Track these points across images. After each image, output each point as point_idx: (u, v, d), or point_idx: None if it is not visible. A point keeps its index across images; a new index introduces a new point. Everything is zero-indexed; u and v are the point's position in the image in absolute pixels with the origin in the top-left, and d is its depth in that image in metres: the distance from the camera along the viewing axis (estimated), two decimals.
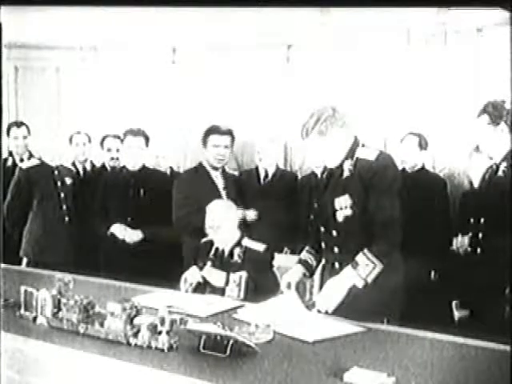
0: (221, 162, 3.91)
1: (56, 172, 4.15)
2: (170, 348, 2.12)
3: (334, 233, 2.64)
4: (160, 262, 3.74)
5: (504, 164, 3.24)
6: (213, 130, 3.88)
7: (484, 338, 2.23)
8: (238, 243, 3.21)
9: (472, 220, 3.25)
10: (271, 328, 2.25)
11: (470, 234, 3.25)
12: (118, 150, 4.46)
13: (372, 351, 2.14)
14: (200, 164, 3.99)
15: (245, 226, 3.71)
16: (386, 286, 2.53)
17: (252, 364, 2.00)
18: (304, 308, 2.58)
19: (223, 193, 3.89)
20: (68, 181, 4.18)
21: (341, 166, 2.62)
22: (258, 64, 5.28)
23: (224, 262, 3.19)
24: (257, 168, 4.41)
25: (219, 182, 3.93)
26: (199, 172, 3.96)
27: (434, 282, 3.83)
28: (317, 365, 2.00)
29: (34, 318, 2.42)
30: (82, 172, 4.47)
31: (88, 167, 4.58)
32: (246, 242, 3.22)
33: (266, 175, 4.36)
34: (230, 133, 3.91)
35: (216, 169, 3.93)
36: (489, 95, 3.47)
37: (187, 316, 2.33)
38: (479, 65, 4.54)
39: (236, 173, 4.57)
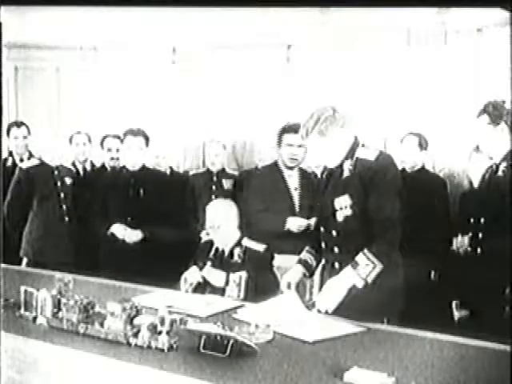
0: (294, 162, 3.71)
1: (56, 172, 4.15)
2: (170, 348, 2.12)
3: (334, 233, 2.64)
4: (160, 262, 3.74)
5: (504, 164, 3.24)
6: (287, 129, 3.67)
7: (484, 338, 2.23)
8: (238, 243, 3.21)
9: (472, 220, 3.25)
10: (271, 328, 2.25)
11: (470, 234, 3.25)
12: (117, 150, 4.46)
13: (372, 351, 2.14)
14: (275, 162, 3.81)
15: (307, 235, 3.55)
16: (386, 286, 2.53)
17: (252, 364, 2.00)
18: (304, 308, 2.58)
19: (294, 194, 3.73)
20: (68, 181, 4.18)
21: (341, 166, 2.62)
22: (258, 64, 5.28)
23: (224, 262, 3.19)
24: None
25: (292, 182, 3.75)
26: (272, 171, 3.78)
27: (433, 282, 3.83)
28: (317, 365, 2.00)
29: (34, 318, 2.42)
30: (82, 172, 4.47)
31: (88, 167, 4.58)
32: (246, 241, 3.22)
33: None
34: None
35: (290, 168, 3.74)
36: (489, 95, 3.47)
37: (187, 316, 2.33)
38: (479, 65, 4.55)
39: (236, 173, 4.58)
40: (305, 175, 3.82)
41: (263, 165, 4.09)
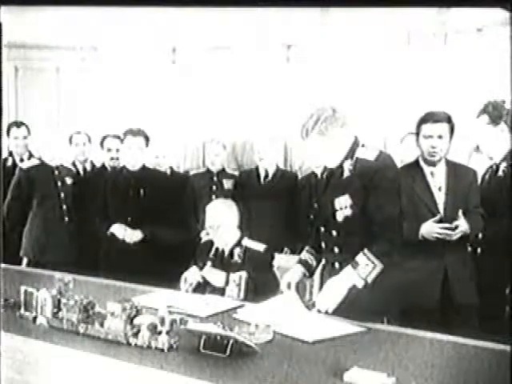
0: (434, 155, 3.19)
1: (56, 172, 4.15)
2: (170, 348, 2.12)
3: (334, 233, 2.64)
4: (160, 262, 3.74)
5: (504, 164, 3.25)
6: (425, 119, 3.24)
7: (484, 338, 2.23)
8: (238, 243, 3.21)
9: None
10: (271, 328, 2.25)
11: None
12: (117, 150, 4.46)
13: (372, 351, 2.14)
14: (416, 159, 3.34)
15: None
16: (386, 286, 2.53)
17: (252, 364, 2.00)
18: (304, 308, 2.58)
19: (437, 195, 3.20)
20: (68, 181, 4.18)
21: (341, 166, 2.61)
22: (258, 64, 5.28)
23: (224, 262, 3.19)
24: (257, 168, 4.41)
25: (434, 180, 3.23)
26: (413, 168, 3.30)
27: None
28: (317, 365, 2.00)
29: (34, 318, 2.42)
30: (82, 172, 4.47)
31: (88, 167, 4.58)
32: (246, 241, 3.22)
33: (267, 175, 4.36)
34: (446, 120, 3.22)
35: (432, 164, 3.23)
36: (489, 95, 3.47)
37: (187, 316, 2.33)
38: (479, 65, 4.55)
39: (236, 173, 4.58)
40: (455, 172, 3.26)
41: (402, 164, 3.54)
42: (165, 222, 3.89)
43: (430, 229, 3.09)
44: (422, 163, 3.25)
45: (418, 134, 3.26)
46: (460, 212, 3.06)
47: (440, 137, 3.17)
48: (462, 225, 3.07)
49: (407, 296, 2.91)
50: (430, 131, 3.18)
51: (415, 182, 3.21)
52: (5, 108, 5.27)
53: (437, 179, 3.21)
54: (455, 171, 3.23)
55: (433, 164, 3.22)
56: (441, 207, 3.16)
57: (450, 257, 3.10)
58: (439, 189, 3.19)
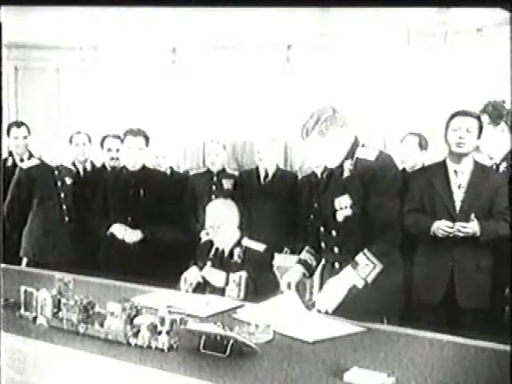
0: (461, 146, 3.11)
1: (56, 172, 4.15)
2: (170, 348, 2.12)
3: (334, 233, 2.64)
4: (160, 262, 3.74)
5: (504, 164, 3.25)
6: (454, 114, 3.20)
7: (484, 338, 2.23)
8: (238, 243, 3.21)
9: None
10: (271, 328, 2.25)
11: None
12: (117, 150, 4.45)
13: (372, 351, 2.14)
14: (444, 158, 3.26)
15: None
16: (386, 286, 2.53)
17: (252, 364, 2.00)
18: (304, 308, 2.58)
19: (456, 192, 3.13)
20: (68, 181, 4.17)
21: (341, 166, 2.62)
22: (258, 64, 5.28)
23: (224, 262, 3.18)
24: (257, 168, 4.41)
25: (456, 178, 3.15)
26: (439, 166, 3.24)
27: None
28: (317, 365, 2.00)
29: (34, 318, 2.42)
30: (82, 172, 4.46)
31: (88, 167, 4.57)
32: (246, 241, 3.22)
33: (267, 175, 4.36)
34: (476, 116, 3.20)
35: (458, 160, 3.14)
36: (489, 95, 3.47)
37: (187, 316, 2.33)
38: (479, 65, 4.55)
39: (236, 173, 4.58)
40: (482, 173, 3.17)
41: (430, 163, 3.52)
42: (165, 222, 3.89)
43: (437, 225, 3.06)
44: (448, 161, 3.19)
45: (446, 129, 3.19)
46: (473, 214, 3.03)
47: (468, 131, 3.11)
48: (472, 226, 3.01)
49: (411, 291, 2.92)
50: (459, 124, 3.12)
51: (437, 178, 3.17)
52: (5, 108, 5.28)
53: (459, 177, 3.15)
54: (482, 172, 3.16)
55: (458, 160, 3.14)
56: (457, 205, 3.11)
57: (459, 257, 3.07)
58: (459, 186, 3.13)
